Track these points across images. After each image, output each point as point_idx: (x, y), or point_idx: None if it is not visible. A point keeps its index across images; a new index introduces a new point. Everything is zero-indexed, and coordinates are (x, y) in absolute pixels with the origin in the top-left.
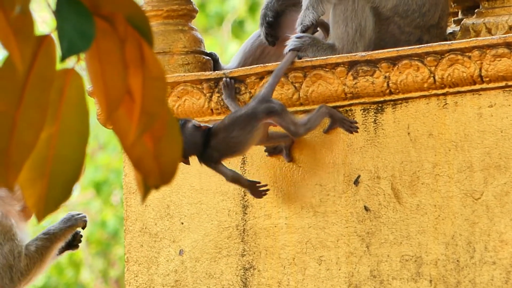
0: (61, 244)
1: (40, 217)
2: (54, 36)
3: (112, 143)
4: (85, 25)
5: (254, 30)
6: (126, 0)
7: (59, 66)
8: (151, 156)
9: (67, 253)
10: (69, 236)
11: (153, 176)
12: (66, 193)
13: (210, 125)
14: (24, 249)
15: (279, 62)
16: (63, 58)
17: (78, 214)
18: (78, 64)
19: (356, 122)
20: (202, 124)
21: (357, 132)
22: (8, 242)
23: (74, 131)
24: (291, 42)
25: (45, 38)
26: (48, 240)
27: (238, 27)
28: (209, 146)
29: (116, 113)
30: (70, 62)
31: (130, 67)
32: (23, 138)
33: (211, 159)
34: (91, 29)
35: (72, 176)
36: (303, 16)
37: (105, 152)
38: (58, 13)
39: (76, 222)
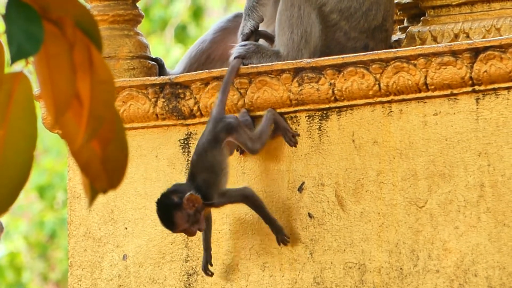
0: None
1: None
2: (3, 40)
3: (56, 147)
4: (34, 29)
5: (197, 35)
6: (75, 5)
7: (7, 69)
8: (99, 160)
9: None
10: None
11: (101, 180)
12: (13, 196)
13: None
14: None
15: (225, 68)
16: (12, 62)
17: None
18: (27, 67)
19: (298, 135)
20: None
21: (295, 146)
22: None
23: (22, 134)
24: (236, 49)
25: None
26: None
27: (182, 32)
28: (201, 186)
29: (64, 117)
30: (19, 65)
31: (78, 71)
32: None
33: (217, 192)
34: (40, 33)
35: (20, 179)
36: (242, 26)
37: (49, 156)
38: (7, 17)
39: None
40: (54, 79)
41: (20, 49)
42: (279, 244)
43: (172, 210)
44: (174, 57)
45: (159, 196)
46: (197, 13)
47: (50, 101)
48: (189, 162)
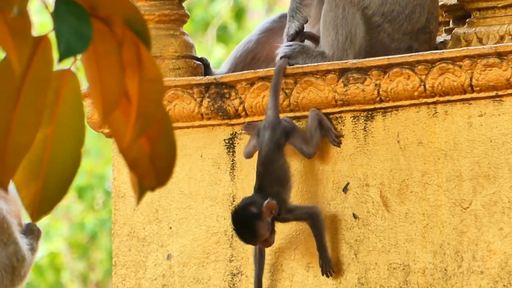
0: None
1: (35, 218)
2: (51, 37)
3: (95, 148)
4: (83, 26)
5: (239, 35)
6: (124, 3)
7: (55, 67)
8: (147, 158)
9: None
10: None
11: (149, 177)
12: (61, 194)
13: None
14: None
15: (271, 68)
16: (60, 59)
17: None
18: (75, 65)
19: (342, 136)
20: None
21: (339, 146)
22: (13, 244)
23: (70, 132)
24: (282, 49)
25: (42, 39)
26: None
27: (223, 33)
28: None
29: (113, 115)
30: (67, 63)
31: (127, 69)
32: (19, 139)
33: (285, 207)
34: (89, 30)
35: (67, 177)
36: (288, 28)
37: (89, 158)
38: (56, 14)
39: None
40: (102, 77)
41: (68, 46)
42: (322, 274)
43: (253, 221)
44: (216, 58)
45: (234, 212)
46: (239, 14)
47: (98, 99)
48: (234, 162)
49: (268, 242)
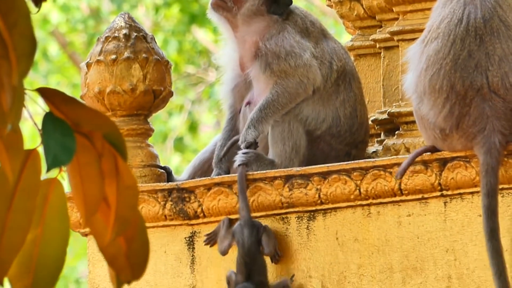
0: None
1: None
2: (40, 150)
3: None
4: (68, 141)
5: (193, 145)
6: (103, 120)
7: (43, 176)
8: (124, 255)
9: None
10: None
11: (125, 272)
12: (49, 287)
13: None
14: None
15: (224, 176)
16: (48, 170)
17: None
18: (60, 174)
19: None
20: None
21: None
22: None
23: (56, 232)
24: (239, 157)
25: (32, 152)
26: None
27: (180, 143)
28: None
29: (94, 217)
30: (54, 172)
31: (106, 178)
32: (12, 239)
33: None
34: (73, 145)
35: (55, 271)
36: (246, 134)
37: None
38: (44, 130)
39: None
40: (85, 184)
41: (55, 158)
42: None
43: None
44: (174, 165)
45: None
46: (192, 126)
47: (81, 204)
48: (193, 257)
49: None
